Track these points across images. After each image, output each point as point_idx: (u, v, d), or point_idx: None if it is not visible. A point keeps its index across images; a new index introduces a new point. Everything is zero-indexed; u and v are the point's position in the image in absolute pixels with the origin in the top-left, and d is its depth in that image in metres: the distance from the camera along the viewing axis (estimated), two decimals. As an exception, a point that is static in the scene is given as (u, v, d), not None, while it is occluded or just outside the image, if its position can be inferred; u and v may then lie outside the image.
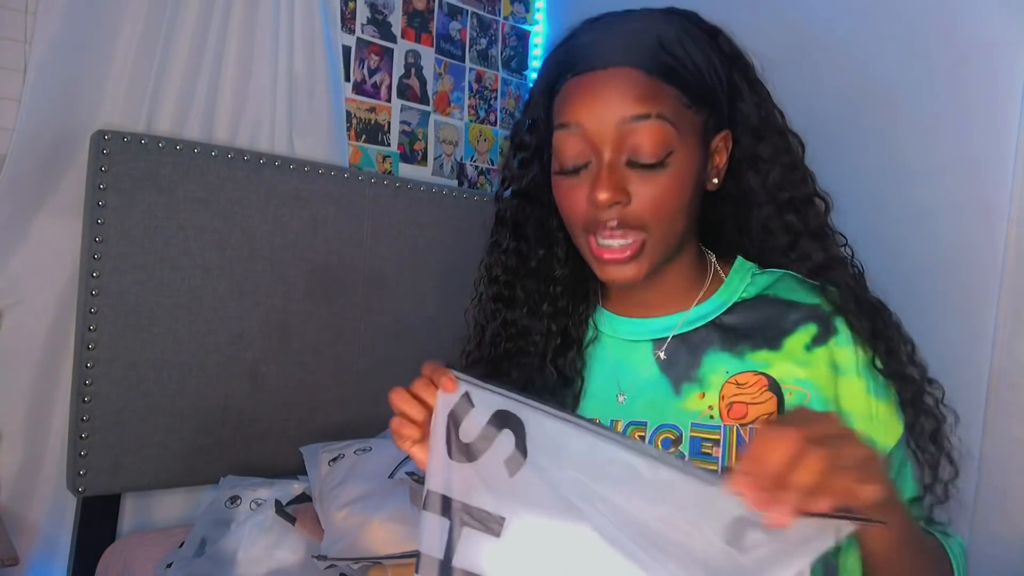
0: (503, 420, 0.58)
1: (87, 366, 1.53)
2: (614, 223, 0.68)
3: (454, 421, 0.60)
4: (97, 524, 1.60)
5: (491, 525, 0.57)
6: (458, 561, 0.58)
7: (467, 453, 0.59)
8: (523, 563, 0.57)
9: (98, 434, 1.54)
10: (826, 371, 0.71)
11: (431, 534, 0.61)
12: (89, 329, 1.53)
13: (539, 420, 0.57)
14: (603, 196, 0.66)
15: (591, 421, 0.57)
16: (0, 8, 1.53)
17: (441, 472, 0.60)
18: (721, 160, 0.75)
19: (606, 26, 0.72)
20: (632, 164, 0.68)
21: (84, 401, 1.52)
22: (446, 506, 0.59)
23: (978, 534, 1.31)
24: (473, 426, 0.59)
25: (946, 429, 0.73)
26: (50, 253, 1.57)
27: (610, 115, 0.67)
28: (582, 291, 0.82)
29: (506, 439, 0.58)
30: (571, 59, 0.72)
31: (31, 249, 1.56)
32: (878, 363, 0.72)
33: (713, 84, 0.72)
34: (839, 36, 1.60)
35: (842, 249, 0.77)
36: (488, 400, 0.59)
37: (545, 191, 0.79)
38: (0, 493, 1.54)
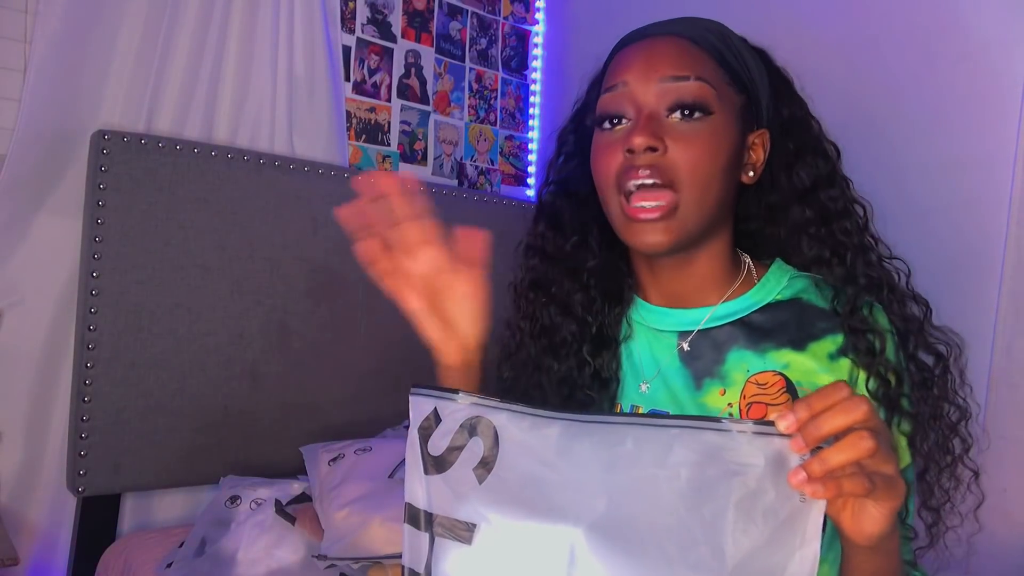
0: (471, 429, 0.58)
1: (87, 366, 1.53)
2: (647, 171, 0.68)
3: (423, 436, 0.60)
4: (97, 524, 1.60)
5: (461, 533, 0.57)
6: (436, 573, 0.58)
7: (438, 466, 0.59)
8: (496, 569, 0.56)
9: (98, 434, 1.54)
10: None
11: (412, 548, 0.60)
12: (89, 329, 1.53)
13: (515, 420, 0.56)
14: (638, 140, 0.68)
15: (569, 411, 0.56)
16: (0, 8, 1.53)
17: (418, 486, 0.60)
18: (758, 157, 0.76)
19: (659, 21, 0.76)
20: (671, 117, 0.69)
21: (84, 401, 1.52)
22: (428, 520, 0.59)
23: (978, 534, 1.31)
24: (441, 439, 0.59)
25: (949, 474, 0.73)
26: (50, 253, 1.57)
27: (653, 74, 0.70)
28: (616, 288, 0.83)
29: (475, 447, 0.57)
30: (625, 38, 0.77)
31: (31, 249, 1.56)
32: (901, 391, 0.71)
33: (755, 79, 0.75)
34: (839, 36, 1.60)
35: (886, 262, 0.76)
36: (455, 412, 0.59)
37: (583, 185, 0.81)
38: (0, 493, 1.54)
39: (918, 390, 0.72)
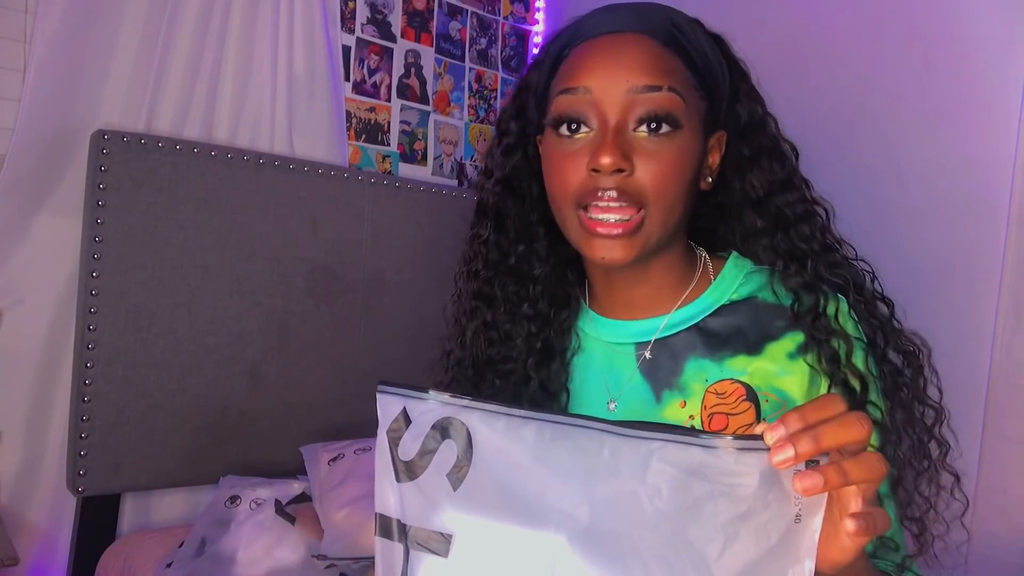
0: (443, 431, 0.54)
1: (87, 366, 1.53)
2: (613, 193, 0.64)
3: (393, 440, 0.56)
4: (97, 524, 1.60)
5: (436, 546, 0.53)
6: None
7: (410, 472, 0.55)
8: None
9: (98, 434, 1.54)
10: (804, 382, 0.69)
11: (386, 561, 0.56)
12: (89, 329, 1.53)
13: (488, 421, 0.53)
14: (606, 160, 0.62)
15: (545, 411, 0.53)
16: (0, 8, 1.53)
17: (390, 495, 0.56)
18: (715, 161, 0.73)
19: (617, 5, 0.70)
20: (639, 131, 0.64)
21: (84, 401, 1.52)
22: (401, 530, 0.56)
23: (978, 534, 1.31)
24: (412, 443, 0.55)
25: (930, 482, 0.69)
26: (50, 253, 1.57)
27: (621, 81, 0.64)
28: (563, 296, 0.79)
29: (447, 451, 0.53)
30: (580, 29, 0.70)
31: (31, 249, 1.56)
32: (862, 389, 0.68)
33: (717, 76, 0.70)
34: (839, 37, 1.60)
35: (852, 263, 0.73)
36: (426, 412, 0.55)
37: (527, 183, 0.77)
38: (0, 493, 1.54)
39: (890, 393, 0.69)
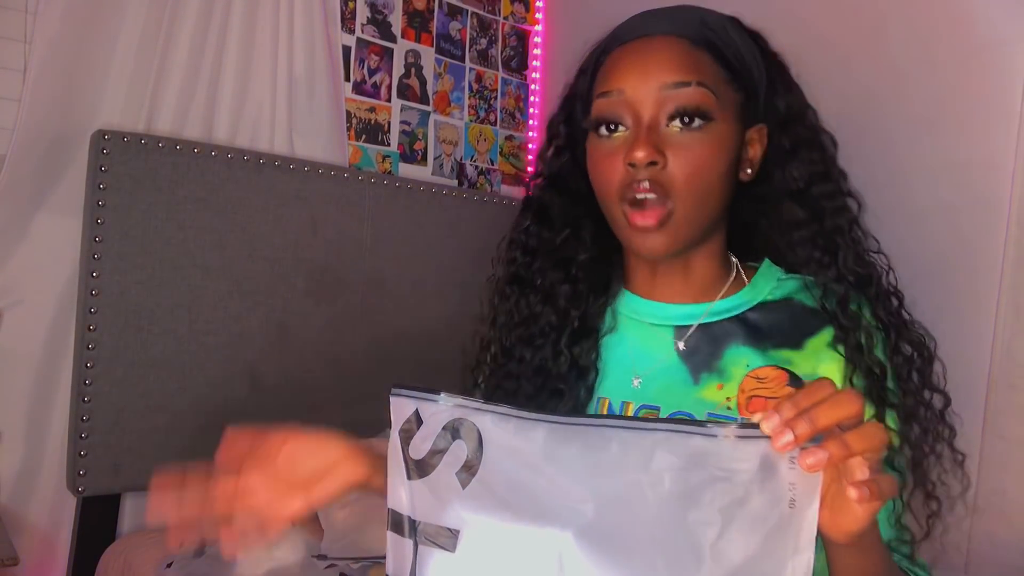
0: (454, 431, 0.56)
1: (87, 366, 1.53)
2: (647, 183, 0.68)
3: (405, 439, 0.58)
4: (97, 524, 1.60)
5: (444, 541, 0.55)
6: None
7: (420, 470, 0.57)
8: None
9: (98, 434, 1.54)
10: (842, 368, 0.72)
11: (396, 555, 0.58)
12: (89, 329, 1.53)
13: (499, 423, 0.55)
14: (640, 154, 0.67)
15: (555, 414, 0.55)
16: (0, 8, 1.53)
17: (402, 491, 0.58)
18: (756, 153, 0.76)
19: (649, 12, 0.75)
20: (671, 126, 0.69)
21: (84, 401, 1.52)
22: (411, 527, 0.58)
23: (978, 534, 1.31)
24: (423, 442, 0.57)
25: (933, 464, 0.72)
26: (50, 253, 1.57)
27: (652, 80, 0.69)
28: (603, 281, 0.82)
29: (458, 450, 0.55)
30: (616, 34, 0.75)
31: (31, 249, 1.56)
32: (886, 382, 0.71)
33: (752, 70, 0.74)
34: (839, 36, 1.60)
35: (874, 256, 0.76)
36: (437, 414, 0.57)
37: (575, 179, 0.81)
38: (0, 493, 1.54)
39: (903, 381, 0.72)
